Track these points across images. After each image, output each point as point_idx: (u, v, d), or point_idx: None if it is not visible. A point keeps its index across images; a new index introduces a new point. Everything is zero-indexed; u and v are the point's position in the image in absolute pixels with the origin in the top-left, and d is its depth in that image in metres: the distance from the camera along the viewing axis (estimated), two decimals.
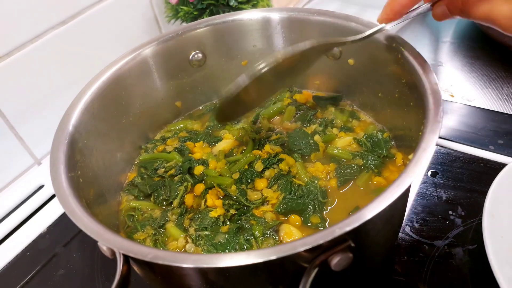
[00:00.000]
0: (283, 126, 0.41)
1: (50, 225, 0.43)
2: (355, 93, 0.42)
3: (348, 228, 0.21)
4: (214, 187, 0.35)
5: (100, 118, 0.34)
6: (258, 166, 0.36)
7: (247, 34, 0.41)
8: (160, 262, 0.22)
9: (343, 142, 0.38)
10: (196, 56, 0.41)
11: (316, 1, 0.74)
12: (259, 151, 0.37)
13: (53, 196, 0.47)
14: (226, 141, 0.40)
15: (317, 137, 0.38)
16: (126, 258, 0.24)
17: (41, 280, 0.39)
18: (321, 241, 0.20)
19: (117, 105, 0.37)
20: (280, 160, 0.36)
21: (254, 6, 0.58)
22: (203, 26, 0.41)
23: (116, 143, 0.37)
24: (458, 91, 0.51)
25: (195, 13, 0.56)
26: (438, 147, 0.45)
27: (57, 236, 0.42)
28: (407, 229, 0.38)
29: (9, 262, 0.41)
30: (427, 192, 0.40)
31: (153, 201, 0.36)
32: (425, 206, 0.39)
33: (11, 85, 0.46)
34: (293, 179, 0.35)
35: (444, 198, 0.40)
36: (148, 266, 0.25)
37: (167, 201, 0.35)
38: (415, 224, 0.38)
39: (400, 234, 0.37)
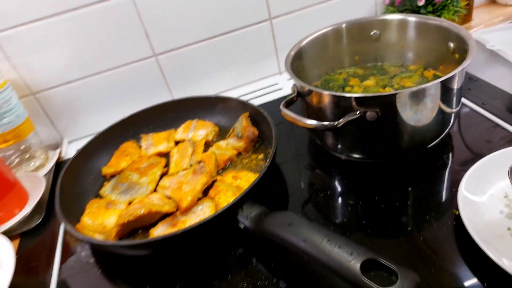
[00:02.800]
0: (406, 85, 0.70)
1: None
2: None
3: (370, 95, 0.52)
4: None
5: (314, 48, 0.73)
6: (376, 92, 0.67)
7: (405, 29, 0.71)
8: (314, 90, 0.59)
9: None
10: (375, 33, 0.74)
11: None
12: (381, 89, 0.69)
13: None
14: (370, 81, 0.72)
15: None
16: (298, 93, 0.62)
17: None
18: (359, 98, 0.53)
19: (323, 47, 0.74)
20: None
21: (439, 16, 0.84)
22: (384, 17, 0.73)
23: (317, 65, 0.75)
24: None
25: (397, 12, 0.87)
26: None
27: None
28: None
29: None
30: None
31: None
32: None
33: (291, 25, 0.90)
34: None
35: None
36: (307, 97, 0.62)
37: None
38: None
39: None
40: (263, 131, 0.71)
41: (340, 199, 0.60)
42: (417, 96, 0.53)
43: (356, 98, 0.53)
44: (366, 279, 0.37)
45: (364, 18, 0.73)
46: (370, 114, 0.53)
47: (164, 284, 0.52)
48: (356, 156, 0.62)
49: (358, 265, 0.38)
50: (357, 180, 0.62)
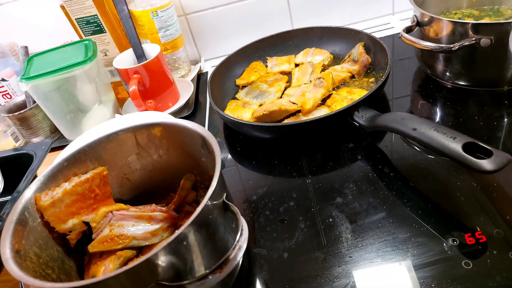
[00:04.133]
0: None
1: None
2: None
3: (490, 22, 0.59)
4: None
5: None
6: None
7: None
8: (435, 16, 0.67)
9: None
10: None
11: None
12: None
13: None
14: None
15: None
16: (417, 23, 0.70)
17: None
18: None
19: None
20: None
21: None
22: None
23: (435, 3, 0.81)
24: None
25: None
26: None
27: None
28: None
29: None
30: None
31: None
32: None
33: None
34: None
35: None
36: (426, 27, 0.70)
37: None
38: None
39: None
40: (375, 59, 0.80)
41: (441, 120, 0.69)
42: None
43: (473, 24, 0.61)
44: (466, 154, 0.47)
45: None
46: (484, 41, 0.61)
47: (291, 158, 0.67)
48: (462, 83, 0.70)
49: (460, 146, 0.48)
50: (461, 104, 0.69)
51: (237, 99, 0.83)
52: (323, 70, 0.85)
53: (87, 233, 0.52)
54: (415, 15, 0.71)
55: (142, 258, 0.35)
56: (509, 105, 0.66)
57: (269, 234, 0.56)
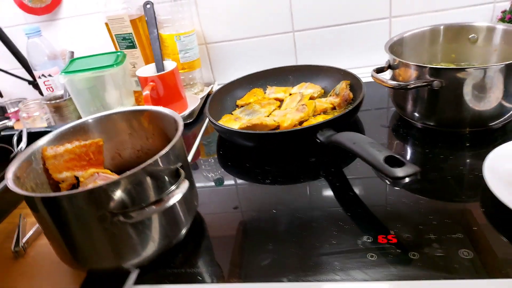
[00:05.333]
0: None
1: None
2: None
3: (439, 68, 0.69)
4: None
5: (413, 41, 0.90)
6: None
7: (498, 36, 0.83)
8: (401, 61, 0.78)
9: None
10: (472, 37, 0.88)
11: None
12: None
13: None
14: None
15: None
16: (389, 66, 0.81)
17: None
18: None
19: (420, 42, 0.91)
20: None
21: None
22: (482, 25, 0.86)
23: (413, 55, 0.92)
24: None
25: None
26: None
27: None
28: None
29: None
30: None
31: None
32: None
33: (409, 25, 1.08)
34: None
35: None
36: (396, 70, 0.81)
37: None
38: None
39: None
40: (356, 97, 0.91)
41: (409, 156, 0.77)
42: (478, 75, 0.68)
43: (429, 68, 0.71)
44: (384, 163, 0.56)
45: (465, 22, 0.88)
46: (436, 83, 0.70)
47: (262, 165, 0.78)
48: (430, 123, 0.78)
49: (382, 157, 0.57)
50: (425, 143, 0.77)
51: (232, 115, 0.96)
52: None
53: (75, 187, 0.64)
54: (388, 60, 0.82)
55: (98, 183, 0.46)
56: (470, 147, 0.73)
57: (220, 218, 0.66)
